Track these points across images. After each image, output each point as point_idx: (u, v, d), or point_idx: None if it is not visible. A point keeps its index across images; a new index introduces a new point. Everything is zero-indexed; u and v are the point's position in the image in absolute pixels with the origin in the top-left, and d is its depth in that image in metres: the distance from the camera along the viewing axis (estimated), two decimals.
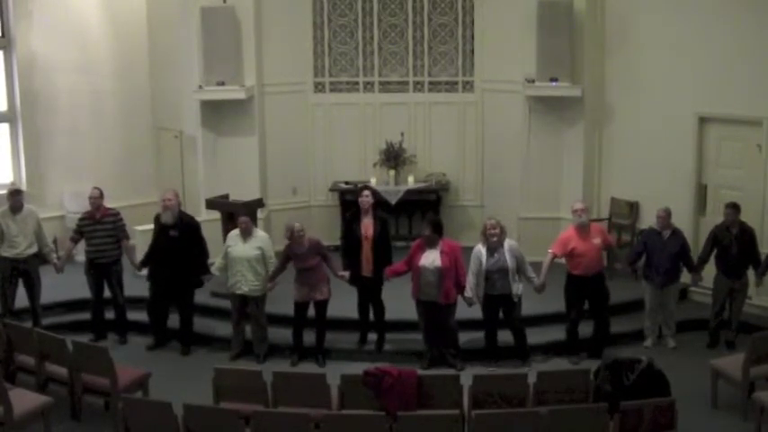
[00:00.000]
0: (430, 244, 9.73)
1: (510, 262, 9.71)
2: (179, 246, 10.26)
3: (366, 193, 10.20)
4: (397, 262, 10.07)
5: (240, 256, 10.08)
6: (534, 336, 10.19)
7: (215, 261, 10.43)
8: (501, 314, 9.94)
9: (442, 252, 9.67)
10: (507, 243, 9.81)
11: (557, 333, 10.31)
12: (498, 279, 9.71)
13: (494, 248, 9.75)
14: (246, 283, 10.10)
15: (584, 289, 10.01)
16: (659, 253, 10.22)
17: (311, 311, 10.11)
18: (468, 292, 9.77)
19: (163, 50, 13.43)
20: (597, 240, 10.00)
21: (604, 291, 10.10)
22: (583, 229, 9.98)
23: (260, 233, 10.35)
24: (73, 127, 13.20)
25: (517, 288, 9.81)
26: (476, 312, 9.97)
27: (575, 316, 10.08)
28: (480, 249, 9.82)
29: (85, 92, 13.25)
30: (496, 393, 7.94)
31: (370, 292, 10.24)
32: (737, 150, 11.13)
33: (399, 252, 10.58)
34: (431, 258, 9.67)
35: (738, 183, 11.11)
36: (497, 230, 9.72)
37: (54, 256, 10.86)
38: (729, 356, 9.37)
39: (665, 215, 10.24)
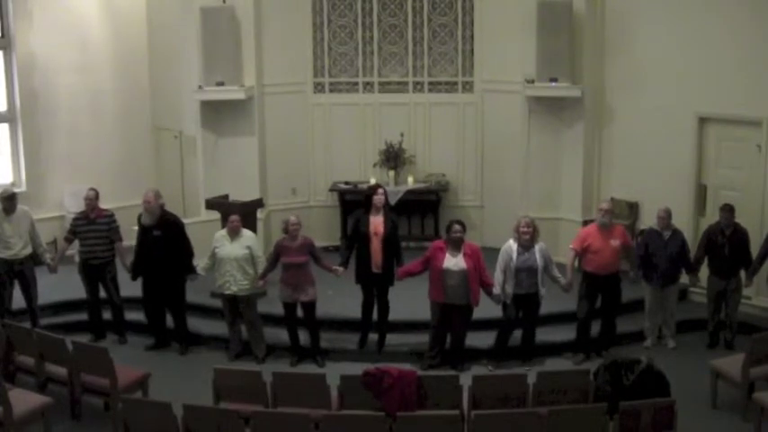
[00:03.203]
0: (456, 246, 9.66)
1: (539, 262, 9.69)
2: (163, 245, 10.23)
3: (381, 191, 10.20)
4: (410, 262, 10.02)
5: (228, 256, 10.07)
6: (540, 335, 10.18)
7: (201, 261, 10.41)
8: (520, 313, 9.93)
9: (465, 254, 9.61)
10: (539, 244, 9.79)
11: (562, 333, 10.32)
12: (526, 278, 9.68)
13: (525, 247, 9.72)
14: (235, 283, 10.09)
15: (596, 287, 10.01)
16: (660, 253, 10.21)
17: (300, 312, 10.10)
18: (497, 289, 9.73)
19: (163, 50, 13.43)
20: (616, 242, 9.98)
21: (616, 292, 10.10)
22: (604, 229, 9.98)
23: (247, 233, 10.33)
24: (73, 127, 13.20)
25: (543, 290, 9.80)
26: (478, 313, 9.94)
27: (584, 315, 10.07)
28: (511, 245, 9.77)
29: (85, 92, 13.24)
30: (496, 393, 7.94)
31: (376, 291, 10.18)
32: (737, 150, 11.13)
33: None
34: (454, 261, 9.59)
35: (738, 183, 11.11)
36: (530, 229, 9.69)
37: (48, 256, 10.83)
38: (729, 357, 9.37)
39: (666, 215, 10.24)
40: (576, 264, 10.16)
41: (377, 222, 10.07)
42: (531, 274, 9.69)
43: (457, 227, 9.71)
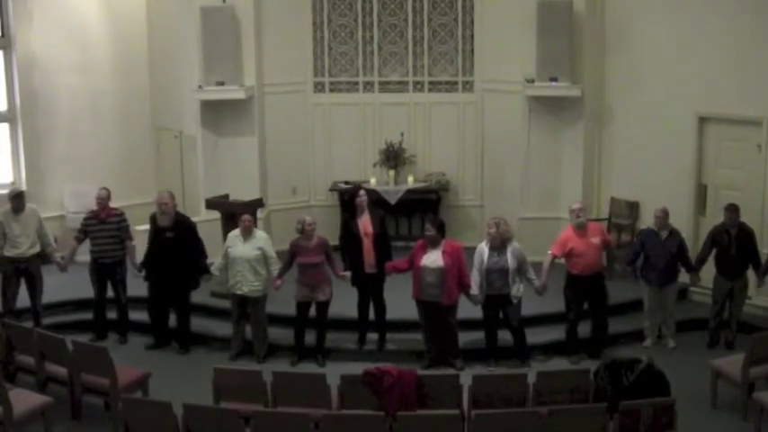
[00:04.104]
0: (432, 244, 9.72)
1: (511, 263, 9.70)
2: (176, 247, 10.26)
3: (362, 192, 10.32)
4: (399, 259, 10.08)
5: (240, 256, 10.07)
6: (534, 336, 10.20)
7: (215, 261, 10.43)
8: (501, 314, 9.94)
9: (444, 252, 9.65)
10: (512, 245, 9.80)
11: (557, 333, 10.32)
12: (497, 279, 9.71)
13: (496, 248, 9.73)
14: (246, 284, 10.10)
15: (583, 288, 10.02)
16: (657, 253, 10.22)
17: (312, 311, 10.12)
18: (475, 290, 9.75)
19: (163, 50, 13.43)
20: (596, 240, 10.00)
21: (603, 291, 10.10)
22: (581, 229, 9.99)
23: (260, 233, 10.35)
24: (73, 127, 13.21)
25: (517, 290, 9.80)
26: (476, 312, 9.98)
27: (573, 316, 10.10)
28: (483, 247, 9.81)
29: (85, 92, 13.25)
30: (496, 393, 7.94)
31: (371, 291, 10.24)
32: (737, 150, 11.13)
33: (400, 252, 10.61)
34: (432, 258, 9.66)
35: (738, 183, 11.11)
36: (493, 230, 9.71)
37: (58, 255, 10.86)
38: (729, 356, 9.37)
39: (663, 215, 10.24)
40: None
41: (365, 223, 10.16)
42: (501, 275, 9.70)
43: (428, 225, 9.87)
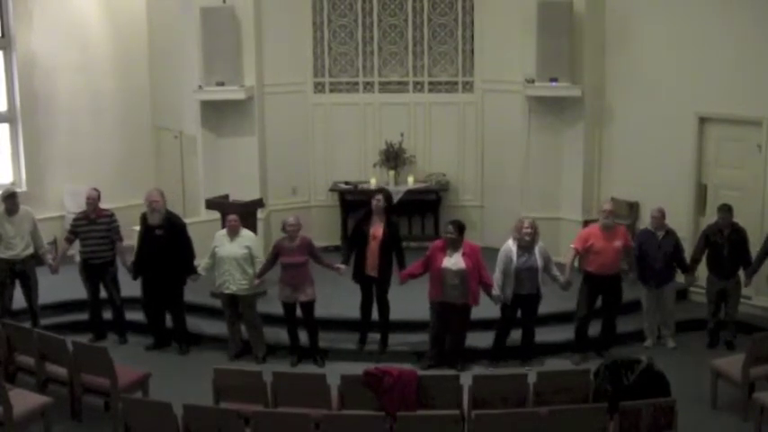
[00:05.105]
0: (453, 246, 9.68)
1: (540, 262, 9.71)
2: (165, 245, 10.25)
3: (378, 197, 10.23)
4: (411, 265, 10.02)
5: (228, 255, 10.09)
6: (539, 335, 10.18)
7: (201, 261, 10.42)
8: (519, 313, 9.93)
9: (464, 254, 9.63)
10: (538, 243, 9.80)
11: (562, 333, 10.32)
12: (527, 278, 9.70)
13: (525, 248, 9.72)
14: (234, 283, 10.11)
15: (597, 287, 10.03)
16: (654, 253, 10.22)
17: (299, 312, 10.12)
18: (496, 290, 9.74)
19: (163, 50, 13.43)
20: (618, 243, 10.00)
21: (618, 293, 10.12)
22: (607, 230, 9.99)
23: (246, 232, 10.35)
24: (73, 127, 13.20)
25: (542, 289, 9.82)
26: (477, 313, 9.95)
27: (583, 314, 10.08)
28: (510, 247, 9.77)
29: (85, 92, 13.25)
30: (496, 393, 7.94)
31: (374, 292, 10.22)
32: (737, 150, 11.13)
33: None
34: (453, 260, 9.61)
35: (738, 183, 11.11)
36: (531, 230, 9.70)
37: (50, 257, 10.84)
38: (729, 356, 9.38)
39: (660, 215, 10.25)
40: (576, 263, 10.18)
41: (377, 226, 10.12)
42: (531, 275, 9.71)
43: (449, 227, 9.79)
